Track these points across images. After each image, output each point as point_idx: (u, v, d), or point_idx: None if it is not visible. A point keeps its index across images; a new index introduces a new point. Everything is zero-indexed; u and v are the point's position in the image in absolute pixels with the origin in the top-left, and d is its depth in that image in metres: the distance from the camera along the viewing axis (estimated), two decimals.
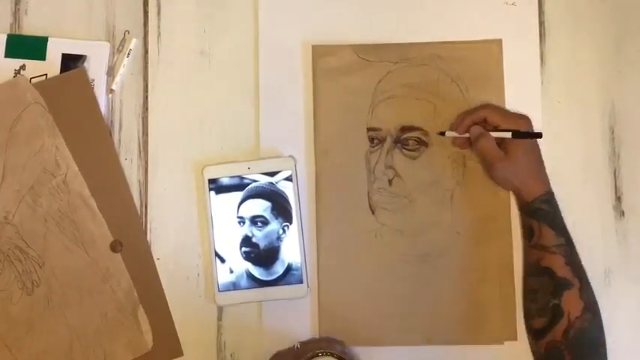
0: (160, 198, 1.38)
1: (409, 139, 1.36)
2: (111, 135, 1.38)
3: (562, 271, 1.25)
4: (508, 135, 1.28)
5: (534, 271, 1.28)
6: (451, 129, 1.34)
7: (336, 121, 1.37)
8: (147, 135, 1.39)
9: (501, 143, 1.30)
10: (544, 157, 1.33)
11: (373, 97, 1.37)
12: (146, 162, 1.38)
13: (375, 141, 1.36)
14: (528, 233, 1.30)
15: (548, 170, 1.33)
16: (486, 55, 1.37)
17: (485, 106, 1.34)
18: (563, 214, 1.31)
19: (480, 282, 1.34)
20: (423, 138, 1.36)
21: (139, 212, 1.37)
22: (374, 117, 1.37)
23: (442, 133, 1.34)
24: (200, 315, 1.35)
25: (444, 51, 1.37)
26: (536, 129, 1.34)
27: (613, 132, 1.37)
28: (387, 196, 1.36)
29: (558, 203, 1.30)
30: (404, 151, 1.36)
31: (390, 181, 1.36)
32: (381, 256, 1.35)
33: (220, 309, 1.36)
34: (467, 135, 1.32)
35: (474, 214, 1.35)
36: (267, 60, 1.39)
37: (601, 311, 1.29)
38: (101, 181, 1.36)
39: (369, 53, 1.38)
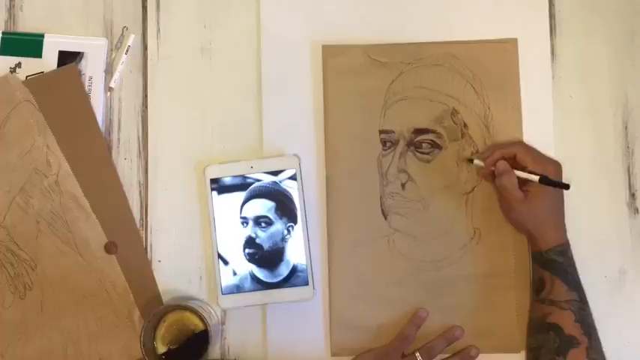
0: (160, 199, 1.33)
1: (423, 142, 1.32)
2: (102, 133, 1.34)
3: (570, 328, 1.20)
4: (535, 179, 1.22)
5: (540, 327, 1.23)
6: (479, 157, 1.29)
7: (347, 123, 1.33)
8: (147, 134, 1.34)
9: (524, 185, 1.24)
10: (555, 156, 1.30)
11: (385, 98, 1.33)
12: (146, 162, 1.34)
13: (388, 144, 1.32)
14: (538, 285, 1.24)
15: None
16: (502, 54, 1.33)
17: (518, 144, 1.29)
18: (575, 213, 1.29)
19: (495, 289, 1.30)
20: (437, 141, 1.32)
21: (138, 214, 1.33)
22: (386, 119, 1.32)
23: (470, 160, 1.30)
24: None
25: (458, 51, 1.33)
26: (547, 123, 1.32)
27: (626, 127, 1.33)
28: (400, 200, 1.32)
29: (565, 202, 1.27)
30: (417, 154, 1.32)
31: (403, 186, 1.32)
32: (394, 262, 1.31)
33: (224, 312, 1.31)
34: (493, 168, 1.27)
35: (489, 220, 1.31)
36: (269, 57, 1.34)
37: (616, 311, 1.29)
38: (94, 180, 1.32)
39: (381, 54, 1.33)
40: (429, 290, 1.31)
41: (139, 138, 1.35)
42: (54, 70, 1.34)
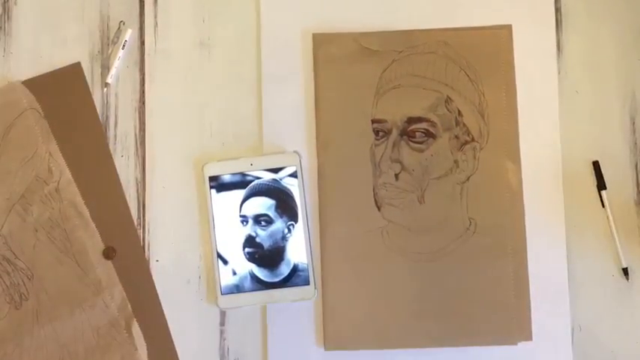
0: (158, 197, 1.32)
1: (416, 131, 1.30)
2: (105, 133, 1.33)
3: None
4: None
5: None
6: None
7: (338, 113, 1.31)
8: (144, 131, 1.33)
9: None
10: (561, 153, 1.31)
11: (377, 87, 1.31)
12: (143, 159, 1.32)
13: (380, 133, 1.30)
14: None
15: (565, 165, 1.30)
16: (496, 41, 1.32)
17: None
18: (582, 211, 1.30)
19: (492, 280, 1.28)
20: (431, 129, 1.30)
21: (135, 212, 1.31)
22: (379, 108, 1.31)
23: None
24: (202, 319, 1.30)
25: (451, 38, 1.31)
26: (553, 120, 1.30)
27: (634, 123, 1.31)
28: (394, 191, 1.30)
29: (572, 200, 1.28)
30: (411, 143, 1.30)
31: (396, 176, 1.30)
32: (388, 254, 1.29)
33: (223, 313, 1.30)
34: None
35: (486, 209, 1.29)
36: (269, 52, 1.33)
37: (623, 310, 1.28)
38: (94, 181, 1.31)
39: (373, 41, 1.32)
40: (425, 282, 1.29)
41: (136, 135, 1.33)
42: (58, 69, 1.33)
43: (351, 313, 1.29)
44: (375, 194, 1.30)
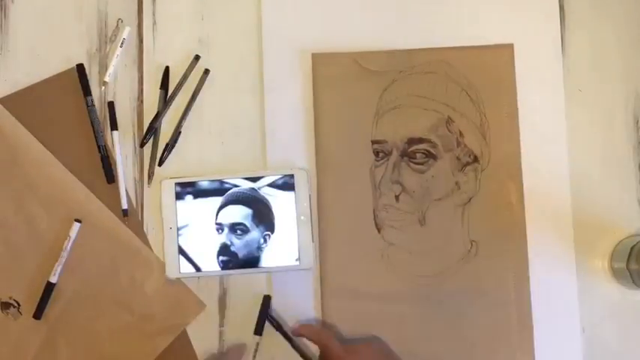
0: (156, 196, 1.31)
1: (417, 152, 1.29)
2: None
3: None
4: None
5: None
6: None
7: (338, 133, 1.30)
8: (142, 129, 1.32)
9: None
10: (564, 150, 1.30)
11: (377, 107, 1.30)
12: (142, 159, 1.32)
13: (381, 154, 1.29)
14: None
15: (569, 164, 1.29)
16: (497, 61, 1.31)
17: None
18: (586, 210, 1.29)
19: (494, 303, 1.27)
20: (432, 150, 1.28)
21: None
22: (378, 129, 1.29)
23: None
24: (201, 321, 1.30)
25: (452, 57, 1.30)
26: (557, 119, 1.30)
27: (638, 122, 1.30)
28: (394, 213, 1.28)
29: (575, 199, 1.28)
30: (411, 164, 1.29)
31: (397, 197, 1.28)
32: (389, 277, 1.28)
33: (222, 315, 1.29)
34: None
35: (487, 231, 1.28)
36: (270, 72, 1.32)
37: (627, 310, 1.28)
38: (97, 185, 1.30)
39: (372, 61, 1.30)
40: (426, 306, 1.28)
41: (134, 134, 1.33)
42: (54, 76, 1.34)
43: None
44: (375, 216, 1.29)
